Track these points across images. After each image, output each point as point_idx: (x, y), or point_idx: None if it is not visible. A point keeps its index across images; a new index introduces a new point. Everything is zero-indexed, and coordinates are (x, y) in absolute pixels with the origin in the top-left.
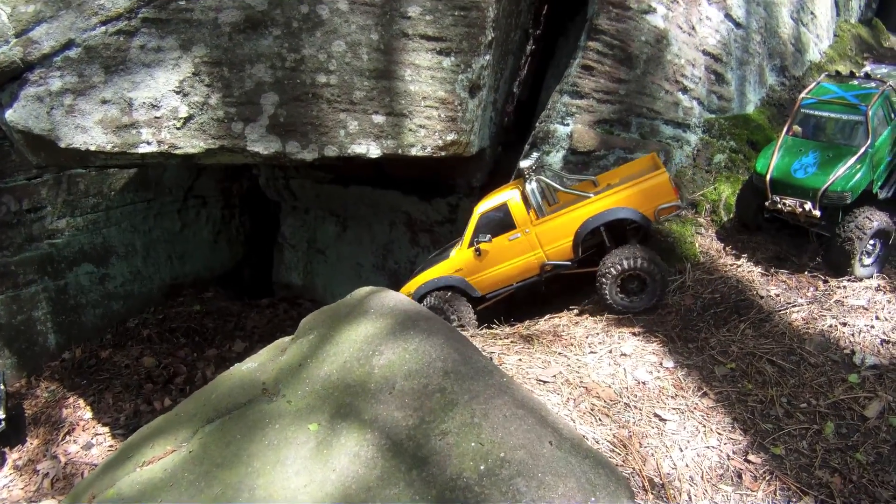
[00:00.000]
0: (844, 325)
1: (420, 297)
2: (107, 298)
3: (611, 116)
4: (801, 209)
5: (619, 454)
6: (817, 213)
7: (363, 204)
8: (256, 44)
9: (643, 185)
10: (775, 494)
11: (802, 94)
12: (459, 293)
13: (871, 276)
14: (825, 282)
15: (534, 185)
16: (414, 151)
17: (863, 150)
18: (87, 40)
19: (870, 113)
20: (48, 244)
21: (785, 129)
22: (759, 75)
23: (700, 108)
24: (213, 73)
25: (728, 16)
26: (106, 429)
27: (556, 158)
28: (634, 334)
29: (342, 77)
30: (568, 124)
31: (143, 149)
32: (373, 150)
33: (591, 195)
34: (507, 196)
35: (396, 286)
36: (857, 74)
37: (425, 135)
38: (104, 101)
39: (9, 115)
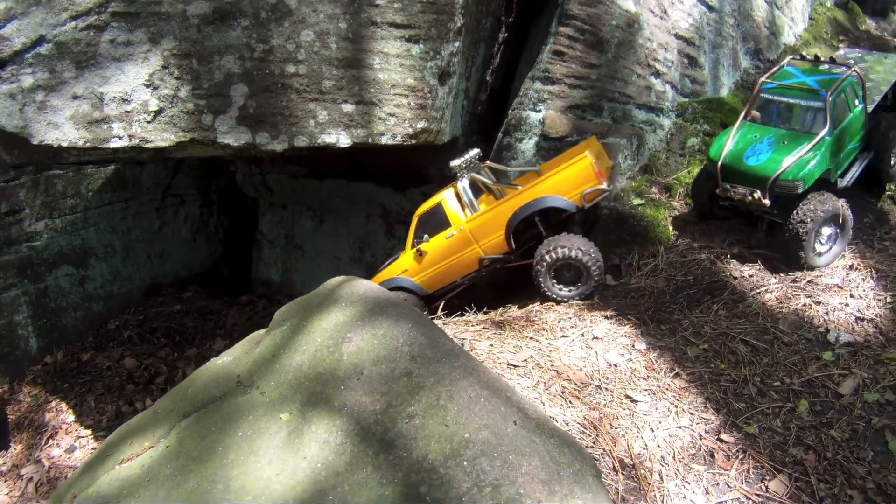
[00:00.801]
0: (818, 303)
1: None
2: (87, 300)
3: (583, 102)
4: (750, 197)
5: (590, 435)
6: (766, 202)
7: (339, 197)
8: (225, 35)
9: (566, 172)
10: (748, 473)
11: (763, 78)
12: (408, 293)
13: (827, 265)
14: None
15: (465, 182)
16: (384, 140)
17: (819, 137)
18: (58, 36)
19: (829, 99)
20: (27, 247)
21: (742, 114)
22: (733, 59)
23: (673, 91)
24: (182, 66)
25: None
26: (88, 431)
27: (528, 145)
28: (607, 318)
29: (311, 67)
30: (540, 110)
31: (115, 143)
32: (343, 139)
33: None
34: (441, 196)
35: (371, 278)
36: (822, 59)
37: (395, 123)
38: (75, 97)
39: None
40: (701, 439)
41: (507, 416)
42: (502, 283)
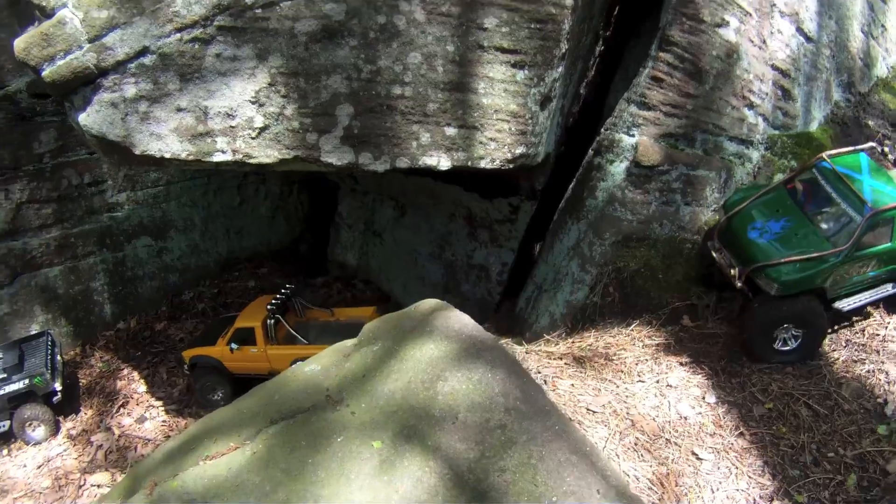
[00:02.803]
0: (882, 371)
1: (193, 364)
2: (163, 271)
3: (676, 131)
4: (728, 269)
5: (656, 492)
6: (739, 283)
7: (423, 193)
8: (333, 54)
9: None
10: None
11: (825, 154)
12: (220, 369)
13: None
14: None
15: (271, 321)
16: (483, 164)
17: (831, 251)
18: (162, 47)
19: (867, 221)
20: (108, 217)
21: (785, 179)
22: (826, 91)
23: (765, 124)
24: (289, 84)
25: (800, 29)
26: (160, 403)
27: (618, 169)
28: (682, 364)
29: (416, 89)
30: (633, 135)
31: (218, 157)
32: (443, 162)
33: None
34: (255, 323)
35: (452, 277)
36: None
37: (495, 148)
38: (179, 109)
39: (82, 118)
40: None
41: (592, 484)
42: None
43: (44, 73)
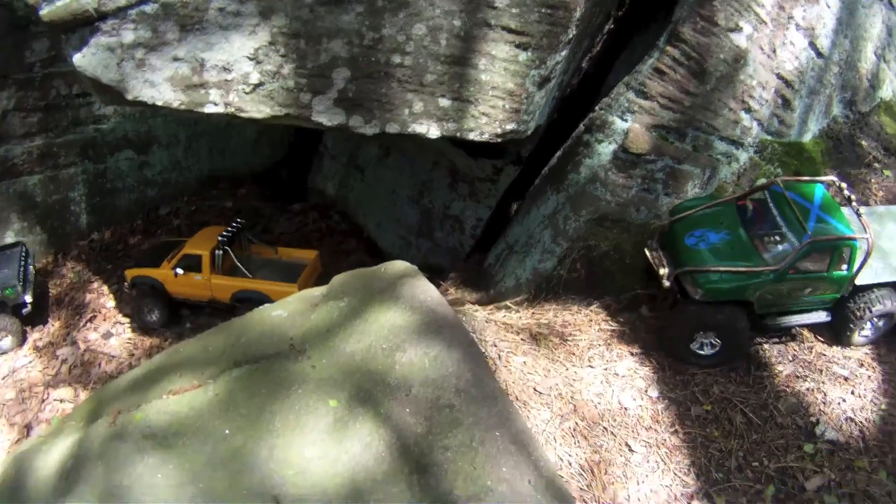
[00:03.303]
0: (820, 391)
1: (134, 284)
2: (143, 185)
3: (669, 124)
4: (659, 268)
5: (586, 479)
6: (667, 283)
7: (410, 140)
8: (338, 19)
9: (273, 288)
10: None
11: (780, 179)
12: (160, 291)
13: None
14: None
15: (219, 251)
16: (472, 136)
17: (761, 268)
18: None
19: (804, 248)
20: (93, 129)
21: (739, 196)
22: (826, 105)
23: (759, 128)
24: (289, 44)
25: (812, 44)
26: (126, 319)
27: (606, 150)
28: (632, 354)
29: (417, 59)
30: (626, 120)
31: (210, 109)
32: (433, 130)
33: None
34: (203, 251)
35: (427, 223)
36: (854, 202)
37: (486, 122)
38: (176, 59)
39: (77, 59)
40: (675, 500)
41: (525, 473)
42: None
43: (42, 13)
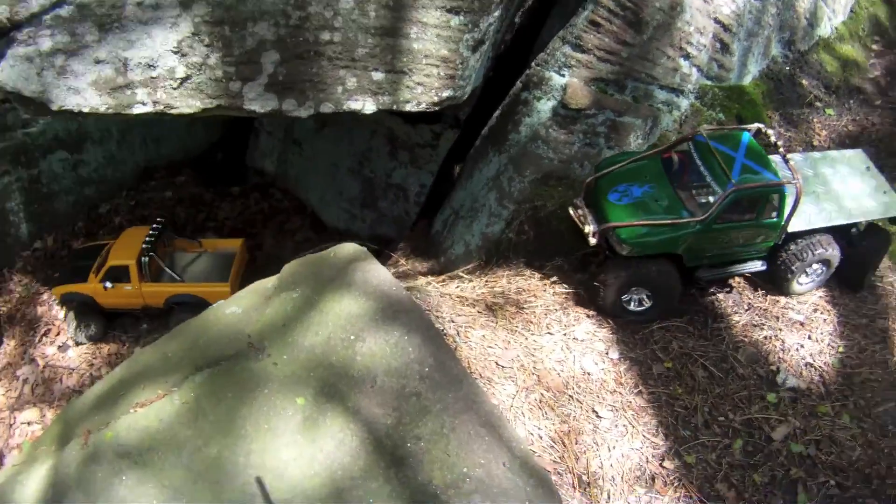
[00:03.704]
0: (778, 339)
1: (64, 301)
2: (79, 184)
3: (608, 76)
4: (584, 226)
5: (558, 450)
6: (593, 240)
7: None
8: (261, 1)
9: (206, 289)
10: (679, 501)
11: (703, 128)
12: (92, 305)
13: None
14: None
15: (145, 258)
16: (409, 107)
17: (685, 220)
18: None
19: (730, 196)
20: (22, 133)
21: (663, 149)
22: (765, 47)
23: (699, 74)
24: (213, 33)
25: None
26: None
27: (545, 107)
28: (588, 316)
29: (346, 34)
30: (564, 75)
31: (139, 109)
32: (368, 105)
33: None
34: (129, 261)
35: (370, 193)
36: (781, 148)
37: (422, 91)
38: (98, 61)
39: None
40: (647, 463)
41: (499, 456)
42: None
43: None
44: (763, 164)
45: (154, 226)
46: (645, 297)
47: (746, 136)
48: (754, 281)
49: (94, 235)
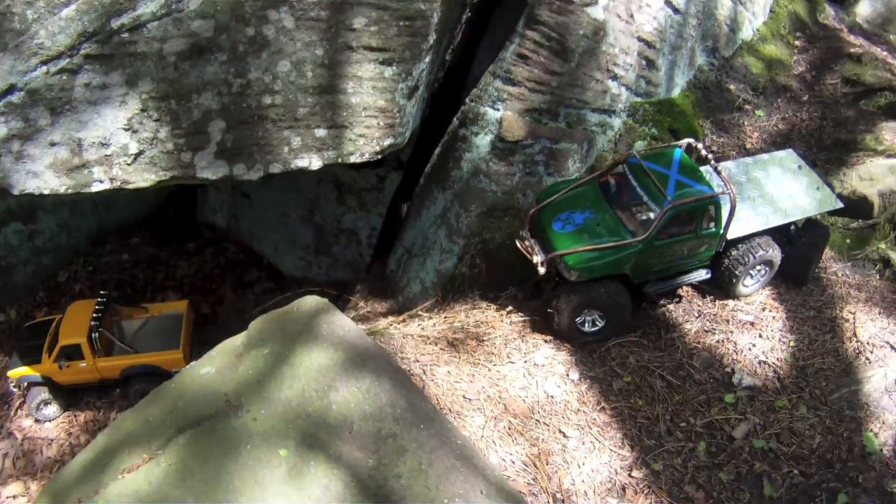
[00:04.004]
0: (730, 341)
1: (25, 385)
2: (36, 254)
3: (541, 106)
4: (532, 256)
5: (530, 473)
6: (542, 269)
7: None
8: (202, 71)
9: (158, 358)
10: None
11: (635, 150)
12: (48, 384)
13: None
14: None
15: (95, 334)
16: (353, 159)
17: (627, 241)
18: (30, 83)
19: (666, 214)
20: None
21: (598, 174)
22: (690, 58)
23: (628, 93)
24: (160, 108)
25: (668, 2)
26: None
27: (483, 141)
28: (546, 341)
29: (287, 96)
30: (498, 109)
31: (97, 187)
32: (314, 162)
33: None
34: (80, 339)
35: (322, 240)
36: (711, 159)
37: (364, 143)
38: (53, 144)
39: None
40: (616, 474)
41: (475, 485)
42: None
43: None
44: (696, 177)
45: (99, 299)
46: (597, 317)
47: (678, 153)
48: (701, 288)
49: (55, 304)
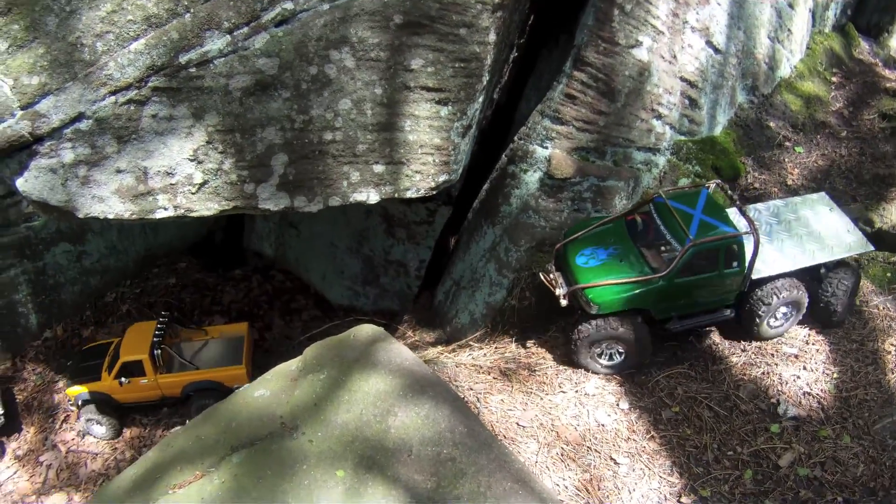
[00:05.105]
0: (775, 373)
1: (82, 402)
2: (84, 275)
3: (588, 144)
4: (555, 288)
5: (583, 497)
6: (564, 302)
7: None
8: (266, 107)
9: (222, 374)
10: None
11: (662, 190)
12: (107, 402)
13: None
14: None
15: (158, 351)
16: (409, 194)
17: (648, 277)
18: (98, 112)
19: (688, 251)
20: (25, 227)
21: (626, 212)
22: (731, 96)
23: (671, 132)
24: (225, 140)
25: (709, 42)
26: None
27: (532, 178)
28: (597, 372)
29: (347, 133)
30: (547, 147)
31: (160, 214)
32: (372, 196)
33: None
34: (142, 355)
35: (371, 270)
36: (737, 200)
37: (420, 179)
38: (119, 171)
39: (20, 184)
40: (665, 500)
41: None
42: None
43: None
44: (721, 218)
45: (161, 319)
46: (617, 351)
47: (705, 193)
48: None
49: (102, 324)
